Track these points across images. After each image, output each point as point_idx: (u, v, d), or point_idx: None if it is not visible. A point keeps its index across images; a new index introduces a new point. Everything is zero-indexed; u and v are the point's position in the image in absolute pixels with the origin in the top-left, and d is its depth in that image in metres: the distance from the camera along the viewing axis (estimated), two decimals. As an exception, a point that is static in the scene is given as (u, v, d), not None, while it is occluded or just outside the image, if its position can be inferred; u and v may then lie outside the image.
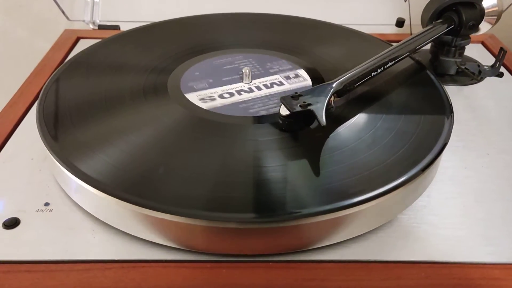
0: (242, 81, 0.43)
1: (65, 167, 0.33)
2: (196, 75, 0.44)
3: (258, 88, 0.43)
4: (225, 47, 0.49)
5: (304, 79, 0.44)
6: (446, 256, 0.32)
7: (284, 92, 0.42)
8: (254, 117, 0.38)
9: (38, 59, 0.56)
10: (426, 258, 0.32)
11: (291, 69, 0.46)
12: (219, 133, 0.37)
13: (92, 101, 0.40)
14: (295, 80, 0.44)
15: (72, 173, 0.33)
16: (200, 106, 0.39)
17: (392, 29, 0.66)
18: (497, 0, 0.49)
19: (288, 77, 0.44)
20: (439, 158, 0.35)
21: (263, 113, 0.39)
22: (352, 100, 0.41)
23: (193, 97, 0.41)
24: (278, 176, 0.33)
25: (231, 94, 0.41)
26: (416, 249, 0.33)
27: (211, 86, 0.43)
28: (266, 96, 0.41)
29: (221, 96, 0.41)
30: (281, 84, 0.43)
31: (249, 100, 0.41)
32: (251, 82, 0.43)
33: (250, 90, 0.42)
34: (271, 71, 0.45)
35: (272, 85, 0.43)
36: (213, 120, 0.38)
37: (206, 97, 0.41)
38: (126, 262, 0.31)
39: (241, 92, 0.42)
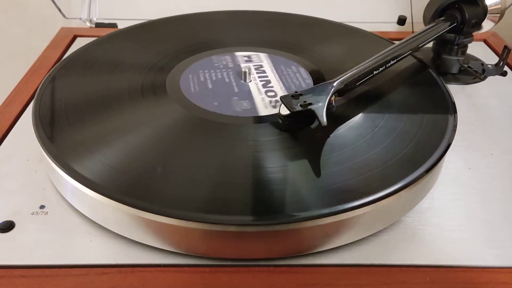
0: (244, 80, 0.43)
1: (61, 169, 0.33)
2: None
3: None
4: (225, 45, 0.49)
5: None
6: (451, 259, 0.32)
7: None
8: (254, 117, 0.38)
9: (34, 58, 0.55)
10: (430, 261, 0.32)
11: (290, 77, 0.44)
12: (218, 133, 0.36)
13: (89, 100, 0.40)
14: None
15: (68, 175, 0.32)
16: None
17: (394, 27, 0.65)
18: (500, -3, 0.49)
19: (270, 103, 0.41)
20: (443, 159, 0.35)
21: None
22: (354, 99, 0.40)
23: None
24: (278, 177, 0.32)
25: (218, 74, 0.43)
26: (420, 252, 0.32)
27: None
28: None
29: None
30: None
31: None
32: (250, 81, 0.43)
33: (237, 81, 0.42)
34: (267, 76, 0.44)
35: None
36: (212, 120, 0.37)
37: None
38: (123, 267, 0.31)
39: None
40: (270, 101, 0.40)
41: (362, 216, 0.31)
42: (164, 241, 0.31)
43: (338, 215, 0.30)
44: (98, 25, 0.64)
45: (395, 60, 0.42)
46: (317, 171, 0.33)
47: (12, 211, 0.34)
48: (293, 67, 0.45)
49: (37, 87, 0.42)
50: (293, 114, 0.35)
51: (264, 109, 0.39)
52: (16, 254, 0.31)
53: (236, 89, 0.41)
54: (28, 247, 0.32)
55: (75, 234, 0.33)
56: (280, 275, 0.30)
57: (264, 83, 0.42)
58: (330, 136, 0.36)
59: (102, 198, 0.31)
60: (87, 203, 0.32)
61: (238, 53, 0.47)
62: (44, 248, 0.32)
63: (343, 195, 0.31)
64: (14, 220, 0.33)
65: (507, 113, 0.46)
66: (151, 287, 0.30)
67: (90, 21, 0.64)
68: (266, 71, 0.44)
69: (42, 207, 0.35)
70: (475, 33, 0.51)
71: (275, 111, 0.38)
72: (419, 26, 0.49)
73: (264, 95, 0.40)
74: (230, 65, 0.45)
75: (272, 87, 0.42)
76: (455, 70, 0.51)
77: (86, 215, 0.33)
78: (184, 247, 0.31)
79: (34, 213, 0.34)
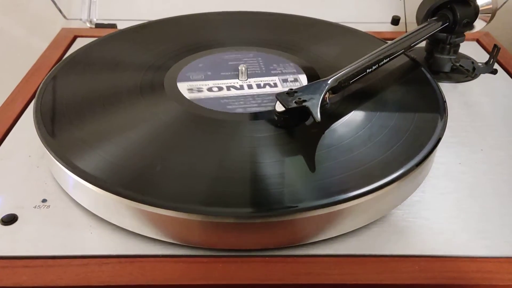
0: (238, 78, 0.44)
1: (62, 164, 0.34)
2: (195, 68, 0.45)
3: (250, 86, 0.43)
4: (222, 45, 0.50)
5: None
6: (440, 250, 0.33)
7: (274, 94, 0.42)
8: (251, 113, 0.39)
9: (35, 58, 0.56)
10: (420, 252, 0.33)
11: (292, 73, 0.45)
12: (216, 129, 0.37)
13: (89, 98, 0.41)
14: (291, 84, 0.43)
15: (69, 170, 0.33)
16: (186, 96, 0.40)
17: (388, 27, 0.66)
18: (491, -2, 0.50)
19: (285, 80, 0.44)
20: (433, 153, 0.36)
21: (239, 111, 0.39)
22: (347, 97, 0.41)
23: (183, 87, 0.42)
24: (274, 171, 0.33)
25: (220, 88, 0.42)
26: (410, 243, 0.33)
27: (206, 78, 0.43)
28: (252, 95, 0.41)
29: (209, 89, 0.42)
30: (275, 86, 0.43)
31: (234, 96, 0.41)
32: (247, 79, 0.44)
33: (241, 87, 0.43)
34: (272, 71, 0.45)
35: (265, 85, 0.43)
36: (210, 117, 0.38)
37: (194, 88, 0.42)
38: (123, 257, 0.32)
39: (231, 88, 0.42)
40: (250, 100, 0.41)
41: (354, 208, 0.32)
42: (162, 232, 0.32)
43: (331, 207, 0.31)
44: (98, 25, 0.65)
45: (388, 59, 0.43)
46: (311, 165, 0.34)
47: (15, 204, 0.35)
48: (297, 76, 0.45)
49: (39, 86, 0.43)
50: (288, 111, 0.36)
51: (240, 108, 0.40)
52: (19, 245, 0.32)
53: (226, 85, 0.43)
54: (30, 239, 0.33)
55: (76, 226, 0.34)
56: (274, 265, 0.31)
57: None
58: (324, 132, 0.37)
59: (102, 191, 0.32)
60: (87, 196, 0.33)
61: (234, 53, 0.48)
62: (47, 240, 0.33)
63: (336, 188, 0.32)
64: (17, 213, 0.34)
65: (497, 110, 0.48)
66: (150, 276, 0.31)
67: (90, 21, 0.65)
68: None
69: (44, 201, 0.36)
70: (468, 33, 0.52)
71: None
72: (413, 26, 0.50)
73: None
74: (227, 63, 0.46)
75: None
76: (447, 68, 0.52)
77: (87, 208, 0.34)
78: (182, 238, 0.32)
79: (37, 206, 0.35)
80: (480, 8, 0.50)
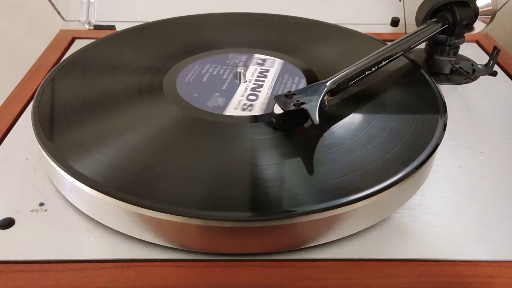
0: (236, 80, 0.44)
1: (60, 167, 0.33)
2: (194, 70, 0.45)
3: (248, 88, 0.43)
4: (221, 47, 0.50)
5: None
6: (440, 254, 0.33)
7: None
8: (249, 116, 0.38)
9: (33, 60, 0.55)
10: (419, 256, 0.32)
11: (291, 75, 0.45)
12: (214, 132, 0.37)
13: (87, 100, 0.40)
14: (290, 86, 0.43)
15: (67, 173, 0.33)
16: (184, 99, 0.40)
17: (387, 29, 0.66)
18: (491, -1, 0.50)
19: (284, 82, 0.44)
20: (432, 156, 0.36)
21: (238, 113, 0.39)
22: (346, 99, 0.41)
23: (181, 89, 0.42)
24: (272, 175, 0.33)
25: (219, 91, 0.42)
26: (410, 247, 0.33)
27: (205, 80, 0.43)
28: (251, 97, 0.41)
29: (208, 91, 0.42)
30: (274, 88, 0.43)
31: (232, 99, 0.41)
32: (245, 81, 0.43)
33: (239, 89, 0.42)
34: (271, 73, 0.45)
35: (263, 87, 0.43)
36: (208, 119, 0.38)
37: (193, 89, 0.42)
38: (120, 262, 0.32)
39: (229, 90, 0.42)
40: (245, 104, 0.40)
41: (353, 212, 0.31)
42: (160, 236, 0.32)
43: (329, 211, 0.31)
44: (97, 27, 0.65)
45: (387, 61, 0.43)
46: (310, 168, 0.34)
47: (12, 208, 0.35)
48: (296, 78, 0.45)
49: (37, 88, 0.43)
50: (286, 113, 0.36)
51: (232, 110, 0.39)
52: (16, 249, 0.32)
53: (224, 87, 0.42)
54: (27, 243, 0.33)
55: (73, 230, 0.34)
56: (272, 269, 0.31)
57: (255, 87, 0.43)
58: (323, 134, 0.37)
59: (99, 195, 0.32)
60: (85, 200, 0.33)
61: (235, 54, 0.48)
62: (43, 244, 0.33)
63: (335, 191, 0.32)
64: (14, 217, 0.34)
65: (497, 113, 0.47)
66: (147, 281, 0.30)
67: (89, 23, 0.65)
68: (268, 76, 0.45)
69: (41, 204, 0.35)
70: (468, 34, 0.52)
71: (242, 113, 0.39)
72: (412, 28, 0.50)
73: (244, 97, 0.41)
74: (229, 65, 0.46)
75: (259, 91, 0.42)
76: (447, 70, 0.52)
77: (84, 211, 0.34)
78: (179, 242, 0.32)
79: (34, 210, 0.35)
80: (480, 10, 0.50)
